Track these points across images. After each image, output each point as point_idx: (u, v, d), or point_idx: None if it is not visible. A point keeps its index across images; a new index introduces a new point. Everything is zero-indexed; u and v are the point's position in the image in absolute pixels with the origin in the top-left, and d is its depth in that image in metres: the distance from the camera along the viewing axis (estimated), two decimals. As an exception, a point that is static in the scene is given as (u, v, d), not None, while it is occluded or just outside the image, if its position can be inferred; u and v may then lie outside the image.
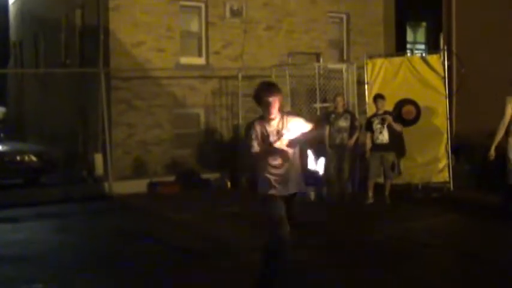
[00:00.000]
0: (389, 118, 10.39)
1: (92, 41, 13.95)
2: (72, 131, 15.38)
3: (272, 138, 5.49)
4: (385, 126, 10.38)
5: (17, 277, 6.64)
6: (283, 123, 5.54)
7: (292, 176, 5.58)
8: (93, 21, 13.93)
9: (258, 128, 5.54)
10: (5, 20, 25.21)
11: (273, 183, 5.54)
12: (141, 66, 13.37)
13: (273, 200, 5.53)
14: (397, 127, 10.53)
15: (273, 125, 5.54)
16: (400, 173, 11.10)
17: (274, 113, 5.49)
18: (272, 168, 5.54)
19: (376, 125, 10.44)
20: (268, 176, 5.55)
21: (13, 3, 23.07)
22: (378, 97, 10.62)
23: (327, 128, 10.86)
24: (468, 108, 13.89)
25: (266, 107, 5.47)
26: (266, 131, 5.52)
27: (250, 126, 5.63)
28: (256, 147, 5.51)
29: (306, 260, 6.81)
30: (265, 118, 5.56)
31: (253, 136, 5.52)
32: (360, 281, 6.27)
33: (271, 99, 5.42)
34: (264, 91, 5.50)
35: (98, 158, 13.13)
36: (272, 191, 5.54)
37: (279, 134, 5.49)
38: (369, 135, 10.58)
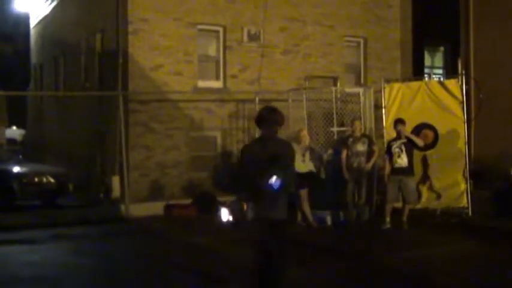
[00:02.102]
0: (407, 133, 10.40)
1: (111, 65, 14.10)
2: (90, 153, 15.48)
3: (265, 163, 5.45)
4: (404, 150, 10.34)
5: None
6: (278, 150, 5.57)
7: (280, 201, 5.56)
8: (112, 45, 14.10)
9: (252, 150, 5.64)
10: (27, 44, 25.60)
11: (260, 206, 5.53)
12: (159, 89, 13.47)
13: (259, 228, 5.54)
14: (419, 141, 10.53)
15: (267, 149, 5.55)
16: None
17: (270, 137, 5.59)
18: (260, 191, 5.49)
19: (395, 149, 10.39)
20: (256, 199, 5.55)
21: (34, 27, 23.44)
22: (398, 122, 10.58)
23: (345, 152, 10.84)
24: (487, 133, 13.79)
25: (266, 130, 5.59)
26: (260, 153, 5.54)
27: (244, 150, 5.78)
28: (248, 170, 5.55)
29: (320, 283, 6.75)
30: (260, 141, 5.70)
31: (247, 159, 5.59)
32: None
33: (267, 123, 5.57)
34: (267, 114, 5.61)
35: (115, 180, 13.19)
36: (258, 215, 5.55)
37: (273, 158, 5.47)
38: (388, 159, 10.54)
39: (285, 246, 5.68)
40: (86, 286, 7.17)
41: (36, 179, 13.39)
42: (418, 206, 11.06)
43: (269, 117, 5.58)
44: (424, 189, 11.29)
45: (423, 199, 11.24)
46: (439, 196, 11.25)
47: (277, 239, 5.57)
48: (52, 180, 13.53)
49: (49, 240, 10.01)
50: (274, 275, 5.57)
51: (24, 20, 26.09)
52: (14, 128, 30.82)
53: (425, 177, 11.32)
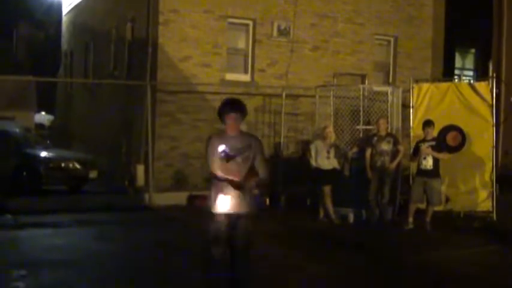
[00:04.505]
0: (428, 150, 10.24)
1: (140, 54, 14.20)
2: (116, 141, 15.63)
3: (228, 155, 5.45)
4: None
5: (55, 282, 6.76)
6: (242, 142, 5.56)
7: (241, 195, 5.53)
8: (142, 35, 14.20)
9: (215, 143, 5.52)
10: (58, 31, 25.90)
11: (219, 199, 5.54)
12: (187, 80, 13.53)
13: (216, 218, 5.58)
14: (443, 156, 10.41)
15: (232, 142, 5.52)
16: (446, 200, 11.00)
17: (234, 130, 5.56)
18: (221, 183, 5.50)
19: (422, 150, 10.31)
20: (217, 191, 5.55)
21: (66, 14, 23.70)
22: (427, 124, 10.47)
23: (369, 151, 10.77)
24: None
25: (227, 124, 5.56)
26: (224, 146, 5.48)
27: (208, 141, 5.64)
28: (211, 161, 5.51)
29: (338, 280, 6.74)
30: (225, 134, 5.59)
31: (209, 151, 5.51)
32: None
33: (232, 115, 5.54)
34: (226, 107, 5.58)
35: (140, 169, 13.31)
36: (217, 208, 5.56)
37: (236, 152, 5.47)
38: (414, 159, 10.48)
39: (247, 243, 5.67)
40: (106, 271, 7.26)
41: (62, 165, 13.58)
42: (442, 208, 10.96)
43: (232, 108, 5.59)
44: (448, 192, 11.18)
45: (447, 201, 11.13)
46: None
47: (239, 234, 5.59)
48: (78, 166, 13.70)
49: (73, 225, 10.14)
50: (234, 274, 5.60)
51: (57, 7, 26.38)
52: (43, 113, 31.18)
53: (450, 180, 11.21)
